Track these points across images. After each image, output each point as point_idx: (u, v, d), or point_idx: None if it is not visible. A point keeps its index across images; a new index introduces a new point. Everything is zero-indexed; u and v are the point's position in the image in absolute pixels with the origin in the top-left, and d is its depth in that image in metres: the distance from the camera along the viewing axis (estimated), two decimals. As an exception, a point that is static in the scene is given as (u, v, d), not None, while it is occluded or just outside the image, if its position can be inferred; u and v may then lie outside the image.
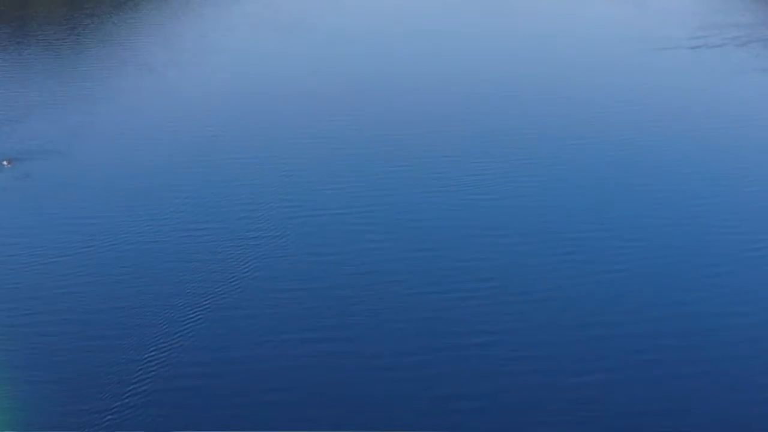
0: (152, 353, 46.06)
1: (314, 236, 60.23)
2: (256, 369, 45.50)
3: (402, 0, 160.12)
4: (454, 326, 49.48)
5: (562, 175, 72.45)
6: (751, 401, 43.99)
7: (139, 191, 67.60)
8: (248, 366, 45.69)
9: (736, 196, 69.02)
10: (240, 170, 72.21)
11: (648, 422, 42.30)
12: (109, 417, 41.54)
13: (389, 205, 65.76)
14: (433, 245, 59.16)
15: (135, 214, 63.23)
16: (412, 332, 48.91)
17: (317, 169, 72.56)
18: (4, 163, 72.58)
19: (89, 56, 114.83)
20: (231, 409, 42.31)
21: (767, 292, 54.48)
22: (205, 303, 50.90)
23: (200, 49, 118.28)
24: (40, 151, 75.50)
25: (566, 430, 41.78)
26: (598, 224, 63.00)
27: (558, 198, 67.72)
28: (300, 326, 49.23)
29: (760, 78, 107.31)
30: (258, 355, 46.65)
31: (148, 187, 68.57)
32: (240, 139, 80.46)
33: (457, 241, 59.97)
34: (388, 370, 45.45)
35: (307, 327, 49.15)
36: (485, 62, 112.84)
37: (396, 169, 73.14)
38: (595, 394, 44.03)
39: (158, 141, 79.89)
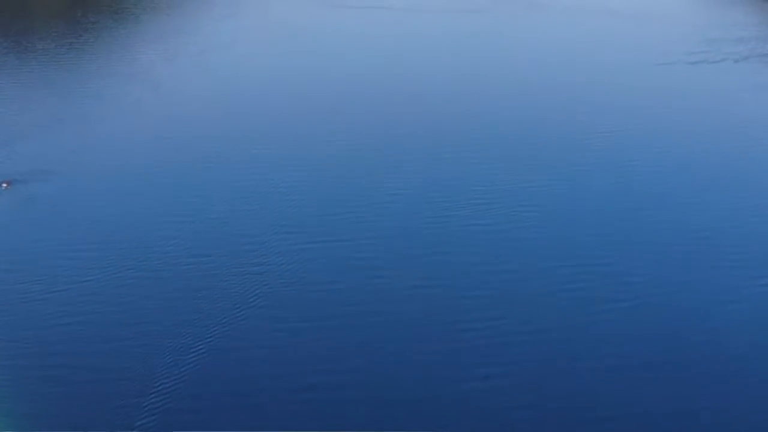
0: (151, 398, 45.06)
1: (316, 269, 59.07)
2: (254, 416, 44.56)
3: (402, 15, 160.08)
4: (460, 369, 48.52)
5: (564, 201, 71.86)
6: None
7: (140, 216, 66.55)
8: (249, 415, 44.74)
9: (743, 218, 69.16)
10: (242, 195, 71.10)
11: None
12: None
13: (393, 233, 64.72)
14: (438, 281, 58.05)
15: (136, 241, 62.14)
16: (418, 376, 47.90)
17: (319, 193, 71.63)
18: (3, 185, 71.50)
19: (89, 72, 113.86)
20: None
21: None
22: (205, 341, 49.91)
23: (202, 64, 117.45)
24: (40, 171, 74.32)
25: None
26: (604, 254, 62.21)
27: (563, 225, 67.02)
28: (302, 370, 48.23)
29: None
30: (258, 403, 45.62)
31: (149, 211, 67.48)
32: (243, 160, 79.45)
33: (464, 274, 59.00)
34: (392, 418, 44.40)
35: (309, 371, 48.10)
36: (483, 77, 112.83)
37: (401, 191, 72.28)
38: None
39: (160, 162, 78.65)
